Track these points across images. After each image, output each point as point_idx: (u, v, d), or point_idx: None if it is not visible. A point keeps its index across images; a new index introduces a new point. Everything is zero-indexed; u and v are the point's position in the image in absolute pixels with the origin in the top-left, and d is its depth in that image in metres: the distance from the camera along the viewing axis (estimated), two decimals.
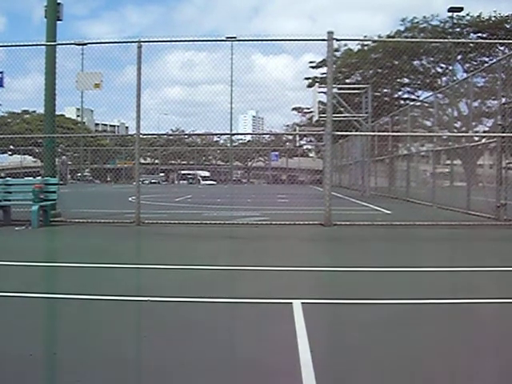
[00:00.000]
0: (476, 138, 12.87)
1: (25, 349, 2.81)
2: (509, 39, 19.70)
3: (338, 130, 12.04)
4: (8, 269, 5.18)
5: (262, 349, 2.78)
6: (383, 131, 19.81)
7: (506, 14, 26.68)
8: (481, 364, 2.71)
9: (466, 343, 3.05)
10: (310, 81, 28.26)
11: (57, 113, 10.43)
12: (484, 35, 26.21)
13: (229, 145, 30.78)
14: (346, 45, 29.12)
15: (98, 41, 9.71)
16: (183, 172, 45.49)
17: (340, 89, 22.59)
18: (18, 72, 10.13)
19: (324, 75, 24.97)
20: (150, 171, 44.75)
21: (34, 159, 33.33)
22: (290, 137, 40.40)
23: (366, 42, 27.95)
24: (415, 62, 28.41)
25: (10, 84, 15.59)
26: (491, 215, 9.78)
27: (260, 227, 9.02)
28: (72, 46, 9.53)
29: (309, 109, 29.70)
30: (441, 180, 14.64)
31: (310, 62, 28.70)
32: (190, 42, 9.45)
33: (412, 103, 22.79)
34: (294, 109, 33.39)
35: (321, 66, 27.93)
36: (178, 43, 9.56)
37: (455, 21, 27.24)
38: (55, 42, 9.56)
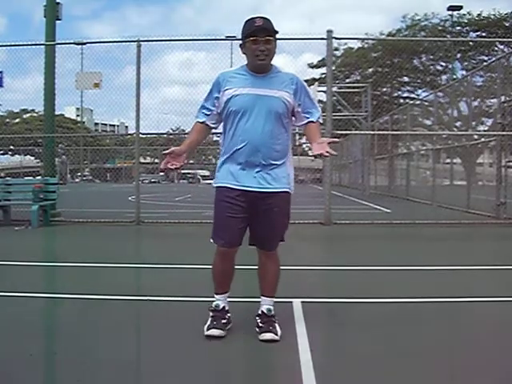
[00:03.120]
0: (476, 137, 12.87)
1: (25, 349, 2.81)
2: (508, 37, 19.73)
3: (337, 129, 12.03)
4: (8, 269, 5.18)
5: (262, 348, 2.79)
6: (383, 130, 19.81)
7: (505, 13, 26.69)
8: (481, 364, 2.71)
9: (466, 343, 3.05)
10: (309, 82, 28.20)
11: (56, 113, 10.43)
12: (483, 34, 26.21)
13: None
14: (346, 43, 29.10)
15: (97, 40, 9.72)
16: (183, 171, 45.43)
17: (340, 87, 22.58)
18: (18, 72, 10.11)
19: (323, 75, 24.94)
20: (149, 170, 44.72)
21: (37, 160, 33.35)
22: None
23: (365, 41, 27.92)
24: (415, 61, 28.40)
25: (10, 84, 15.55)
26: (491, 214, 9.78)
27: None
28: (71, 45, 9.52)
29: None
30: (441, 178, 14.65)
31: (310, 66, 28.65)
32: (190, 42, 9.45)
33: (412, 102, 22.80)
34: None
35: (320, 66, 27.89)
36: (177, 43, 9.56)
37: (455, 19, 27.25)
38: (54, 41, 9.55)
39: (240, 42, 3.01)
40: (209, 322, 3.00)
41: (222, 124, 3.11)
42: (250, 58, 2.96)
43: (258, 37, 2.88)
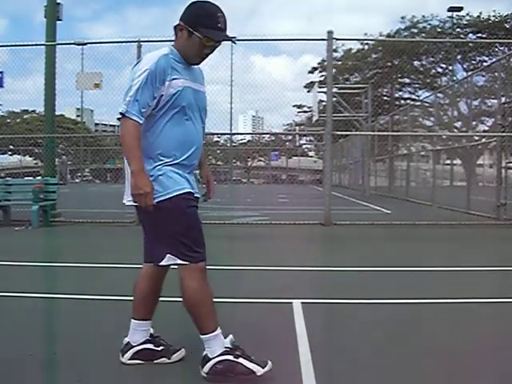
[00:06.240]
0: (476, 138, 12.88)
1: (25, 349, 2.81)
2: (508, 39, 19.74)
3: (337, 130, 12.04)
4: (8, 269, 5.18)
5: (262, 349, 2.78)
6: (383, 131, 19.82)
7: (506, 14, 26.73)
8: (481, 365, 2.71)
9: (466, 343, 3.05)
10: (309, 87, 28.25)
11: (57, 113, 10.43)
12: (484, 35, 26.24)
13: (229, 145, 30.69)
14: (343, 44, 29.10)
15: (98, 40, 9.72)
16: None
17: (340, 88, 22.58)
18: (19, 72, 10.14)
19: (323, 77, 24.97)
20: None
21: (35, 161, 33.35)
22: (290, 136, 40.43)
23: (365, 43, 27.96)
24: (415, 62, 28.43)
25: (11, 84, 15.55)
26: (491, 215, 9.78)
27: (260, 227, 9.02)
28: (72, 46, 9.53)
29: (309, 107, 29.69)
30: (441, 179, 14.65)
31: (310, 72, 28.72)
32: None
33: (412, 103, 22.80)
34: (294, 106, 33.55)
35: (321, 71, 27.92)
36: None
37: (455, 21, 27.29)
38: (55, 42, 9.56)
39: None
40: (248, 362, 2.41)
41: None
42: (190, 53, 2.51)
43: (216, 42, 2.55)
